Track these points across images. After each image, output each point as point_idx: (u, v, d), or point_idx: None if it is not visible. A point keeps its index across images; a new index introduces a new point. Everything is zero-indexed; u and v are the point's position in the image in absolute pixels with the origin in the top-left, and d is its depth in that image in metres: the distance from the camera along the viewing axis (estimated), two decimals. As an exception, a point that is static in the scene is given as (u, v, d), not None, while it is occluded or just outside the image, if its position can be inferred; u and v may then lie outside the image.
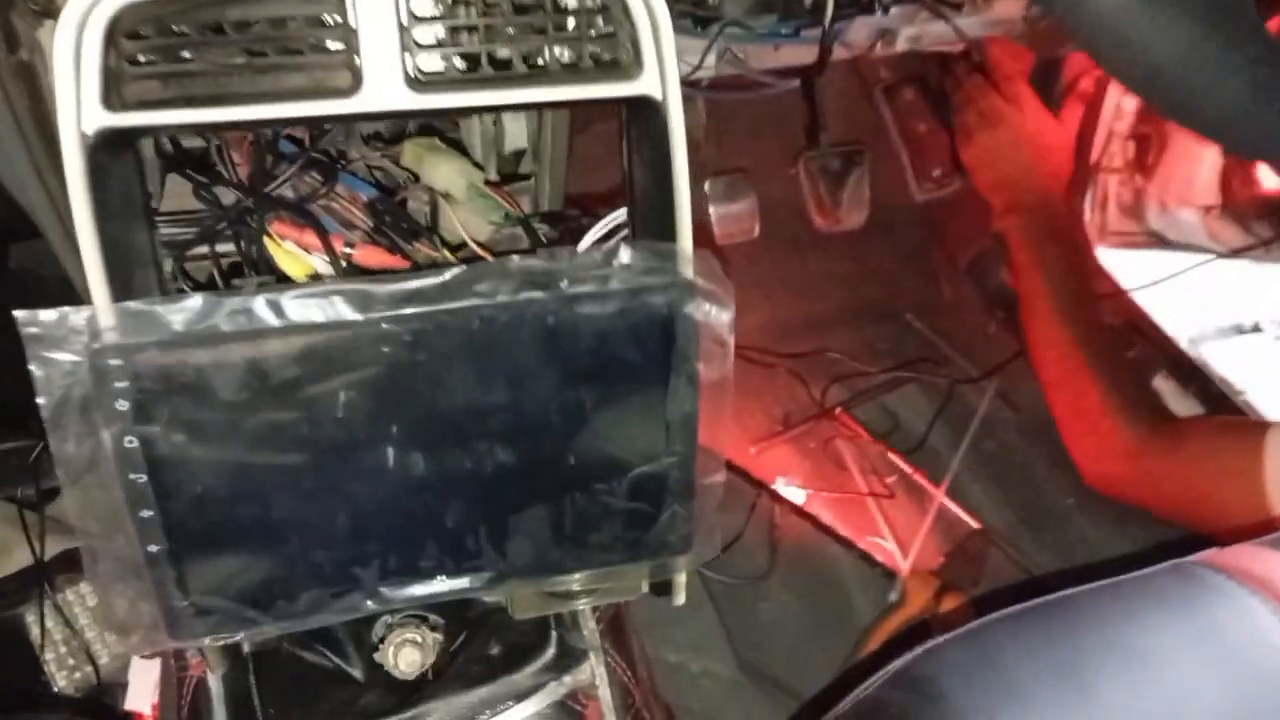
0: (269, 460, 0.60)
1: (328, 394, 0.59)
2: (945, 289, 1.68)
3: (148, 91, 0.55)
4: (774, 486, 1.34)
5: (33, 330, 0.54)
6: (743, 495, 1.28)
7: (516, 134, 0.80)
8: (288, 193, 0.76)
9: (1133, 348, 1.48)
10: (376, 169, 0.83)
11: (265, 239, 0.73)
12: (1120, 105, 1.57)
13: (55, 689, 1.05)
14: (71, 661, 1.06)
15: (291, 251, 0.74)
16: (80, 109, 0.54)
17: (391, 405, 0.60)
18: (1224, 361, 1.88)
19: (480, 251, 0.74)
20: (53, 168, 0.69)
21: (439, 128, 0.83)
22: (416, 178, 0.81)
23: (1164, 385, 1.43)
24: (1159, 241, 1.69)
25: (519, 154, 0.82)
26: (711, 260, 0.63)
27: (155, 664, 1.05)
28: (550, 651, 0.76)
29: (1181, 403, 1.41)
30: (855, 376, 1.51)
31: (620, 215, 0.70)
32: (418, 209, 0.79)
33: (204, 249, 0.74)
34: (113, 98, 0.54)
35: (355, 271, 0.74)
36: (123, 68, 0.54)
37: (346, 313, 0.57)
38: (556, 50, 0.58)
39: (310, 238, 0.73)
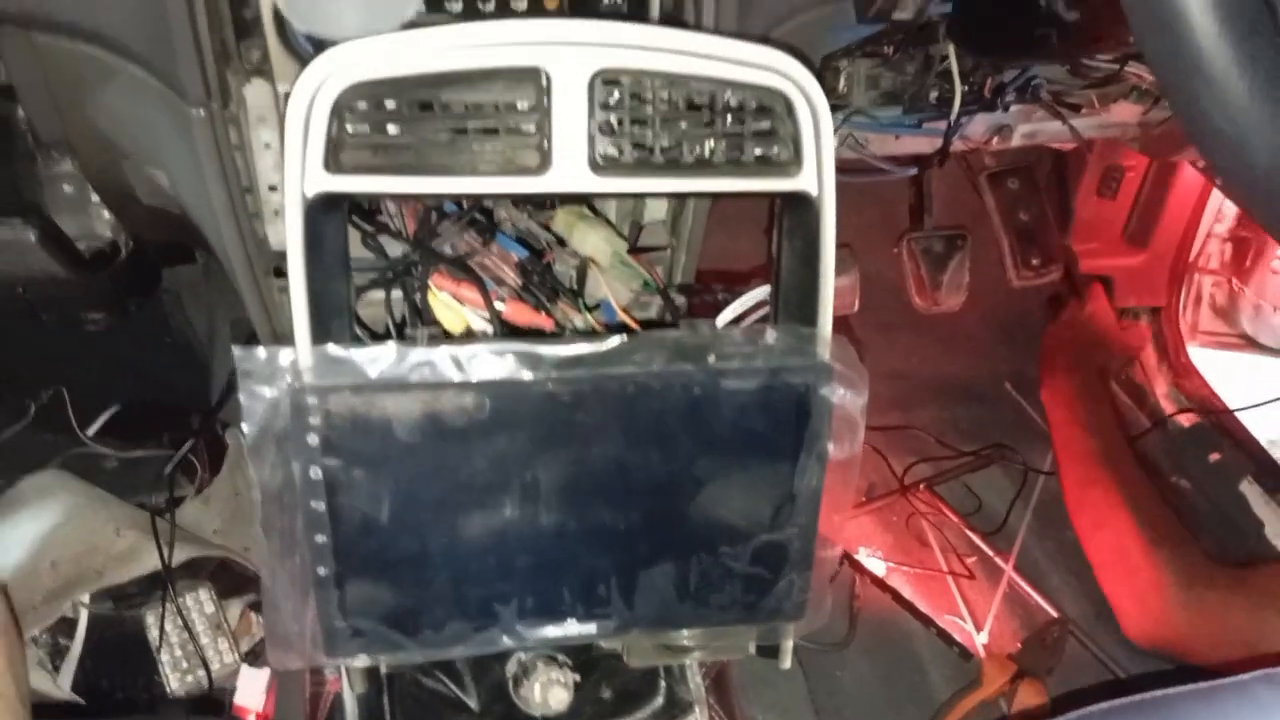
0: (433, 498, 0.65)
1: (492, 442, 0.64)
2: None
3: (362, 159, 0.61)
4: (856, 556, 1.37)
5: (246, 366, 0.60)
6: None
7: (655, 208, 0.86)
8: (447, 249, 0.82)
9: (1219, 451, 1.49)
10: (525, 230, 0.89)
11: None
12: (1221, 208, 1.60)
13: (168, 690, 1.11)
14: (185, 665, 1.12)
15: (448, 303, 0.80)
16: (305, 173, 0.60)
17: (546, 457, 0.66)
18: None
19: (624, 317, 0.79)
20: (244, 210, 0.75)
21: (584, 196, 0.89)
22: (562, 241, 0.86)
23: (1250, 490, 1.44)
24: (1250, 344, 1.70)
25: (654, 224, 0.87)
26: (848, 347, 0.67)
27: (265, 671, 1.11)
28: (659, 701, 0.80)
29: (1267, 509, 1.41)
30: (940, 457, 1.53)
31: (759, 294, 0.75)
32: (564, 271, 0.85)
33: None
34: (332, 164, 0.60)
35: (504, 326, 0.80)
36: (343, 137, 0.60)
37: (518, 371, 0.63)
38: (724, 145, 0.64)
39: (467, 291, 0.79)
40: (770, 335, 0.66)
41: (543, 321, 0.81)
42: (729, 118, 0.64)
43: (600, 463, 0.67)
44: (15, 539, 1.12)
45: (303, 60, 0.71)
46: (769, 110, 0.64)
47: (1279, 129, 0.41)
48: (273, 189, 0.77)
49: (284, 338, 0.83)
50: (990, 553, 1.42)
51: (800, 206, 0.66)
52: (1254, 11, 0.42)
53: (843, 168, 1.13)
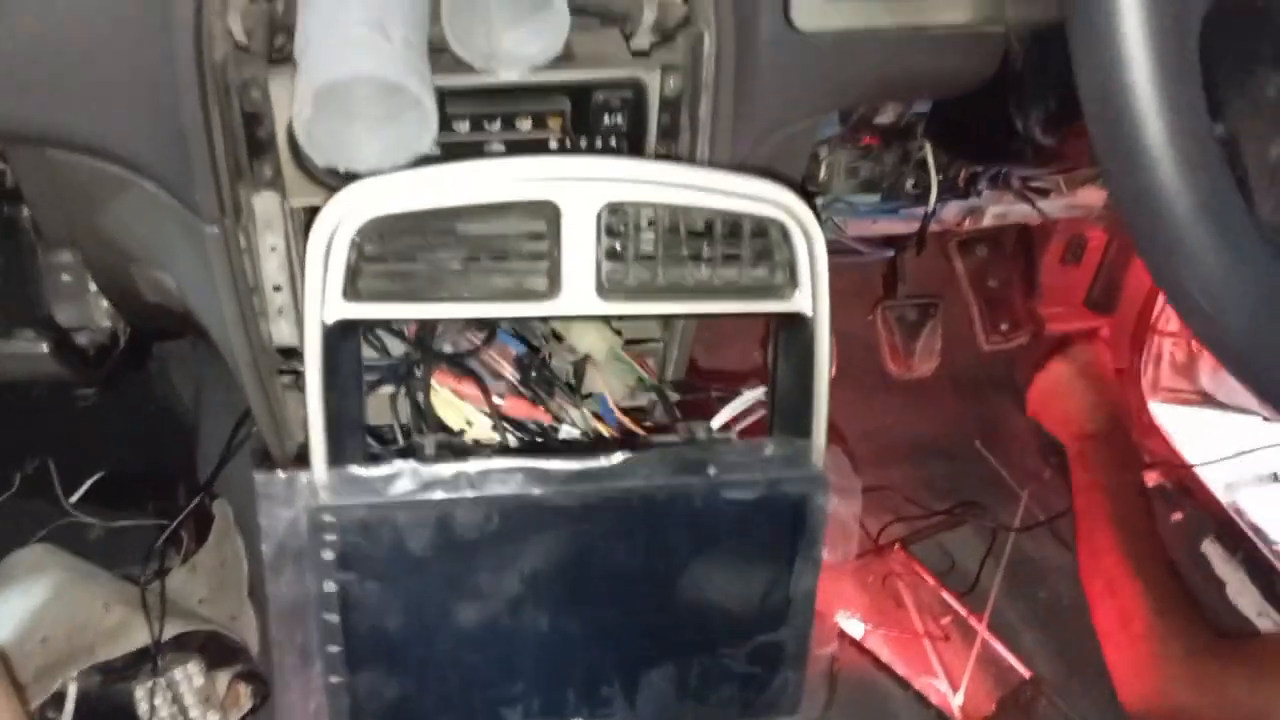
0: (442, 607, 0.67)
1: (500, 552, 0.67)
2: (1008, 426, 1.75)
3: (379, 287, 0.64)
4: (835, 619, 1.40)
5: (267, 490, 0.62)
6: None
7: (650, 306, 0.89)
8: (448, 346, 0.84)
9: (1181, 511, 1.54)
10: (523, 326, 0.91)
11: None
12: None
13: (158, 765, 1.11)
14: (175, 740, 1.13)
15: (449, 400, 0.82)
16: (324, 302, 0.62)
17: (552, 566, 0.68)
18: (1258, 509, 1.94)
19: (621, 417, 0.82)
20: (252, 314, 0.78)
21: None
22: (559, 337, 0.89)
23: (1211, 550, 1.49)
24: (1209, 400, 1.76)
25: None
26: (842, 457, 0.71)
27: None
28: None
29: (1225, 569, 1.46)
30: (913, 516, 1.57)
31: (752, 397, 0.78)
32: (561, 366, 0.88)
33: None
34: (350, 293, 0.63)
35: (502, 420, 0.82)
36: (361, 267, 0.63)
37: (527, 488, 0.65)
38: (723, 270, 0.67)
39: (467, 387, 0.81)
40: (769, 447, 0.69)
41: (541, 415, 0.84)
42: (728, 244, 0.67)
43: (604, 569, 0.69)
44: (5, 615, 1.13)
45: (314, 177, 0.74)
46: (766, 236, 0.67)
47: (1253, 308, 0.45)
48: (277, 289, 0.79)
49: (287, 433, 0.86)
50: (964, 613, 1.45)
51: (796, 325, 0.69)
52: (1228, 194, 0.46)
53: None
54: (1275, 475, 2.14)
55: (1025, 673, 1.37)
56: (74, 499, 1.32)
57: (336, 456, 0.65)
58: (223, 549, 1.28)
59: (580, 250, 0.65)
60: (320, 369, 0.63)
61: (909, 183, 1.08)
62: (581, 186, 0.64)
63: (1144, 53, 0.45)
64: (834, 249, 1.20)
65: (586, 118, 0.74)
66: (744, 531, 0.70)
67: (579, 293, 0.65)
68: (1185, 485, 1.57)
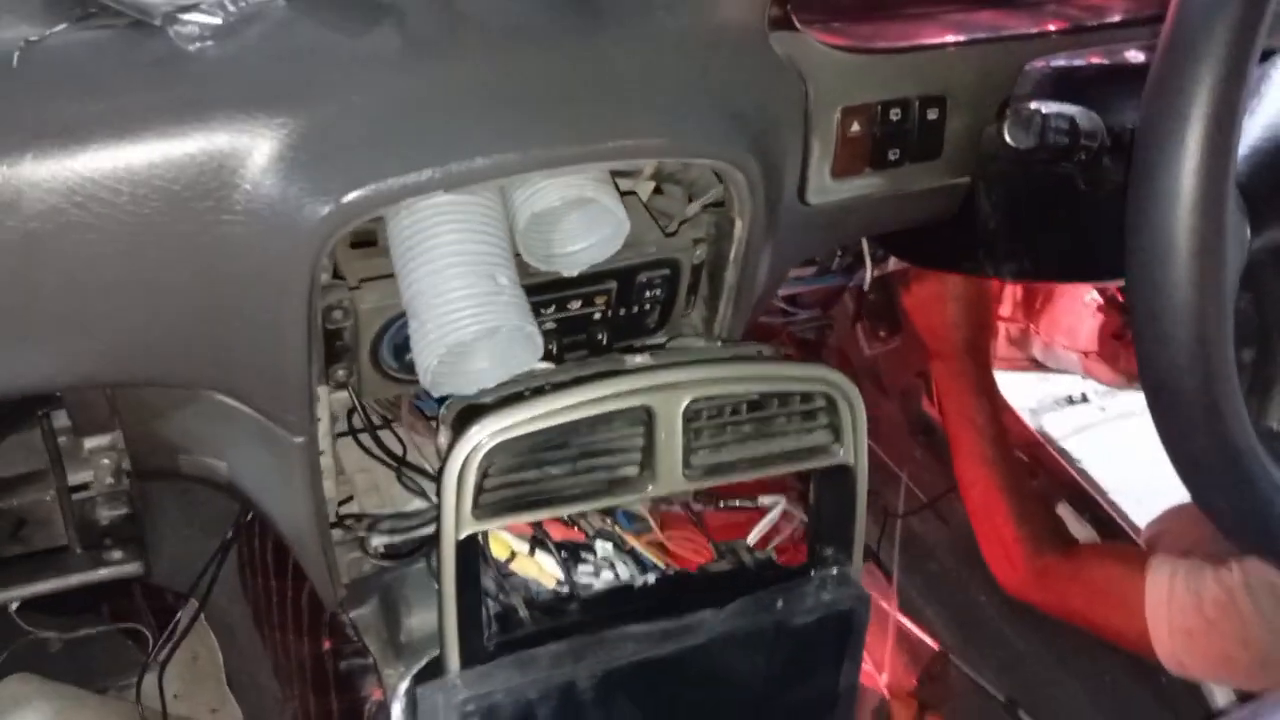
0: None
1: (608, 712, 0.76)
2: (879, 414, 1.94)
3: (500, 501, 0.70)
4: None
5: (427, 700, 0.69)
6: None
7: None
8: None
9: (1037, 477, 1.78)
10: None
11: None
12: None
13: None
14: None
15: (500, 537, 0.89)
16: (459, 522, 0.69)
17: (646, 710, 0.79)
18: (1060, 431, 2.25)
19: (659, 534, 0.90)
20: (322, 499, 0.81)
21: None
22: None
23: (1064, 511, 1.73)
24: (1039, 367, 2.01)
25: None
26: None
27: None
28: None
29: (1078, 528, 1.71)
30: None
31: (777, 511, 0.89)
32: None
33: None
34: (478, 511, 0.69)
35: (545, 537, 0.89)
36: (485, 485, 0.69)
37: (630, 655, 0.75)
38: (785, 438, 0.77)
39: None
40: (823, 575, 0.81)
41: (574, 535, 0.92)
42: (789, 419, 0.77)
43: (687, 703, 0.80)
44: (-3, 760, 1.11)
45: (389, 376, 0.78)
46: (817, 409, 0.78)
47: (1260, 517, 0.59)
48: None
49: (338, 581, 0.90)
50: (875, 596, 1.64)
51: (839, 473, 0.80)
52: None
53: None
54: (1070, 398, 2.48)
55: (933, 645, 1.57)
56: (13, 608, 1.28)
57: (468, 656, 0.72)
58: (193, 645, 1.29)
59: (670, 442, 0.73)
60: (454, 580, 0.70)
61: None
62: (671, 392, 0.72)
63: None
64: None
65: (629, 294, 0.82)
66: (803, 647, 0.82)
67: (668, 477, 0.74)
68: (1037, 456, 1.80)
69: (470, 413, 0.75)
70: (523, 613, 0.79)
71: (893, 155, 0.84)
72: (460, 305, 0.65)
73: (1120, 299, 1.74)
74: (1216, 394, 0.61)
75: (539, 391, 0.71)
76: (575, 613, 0.81)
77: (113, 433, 0.84)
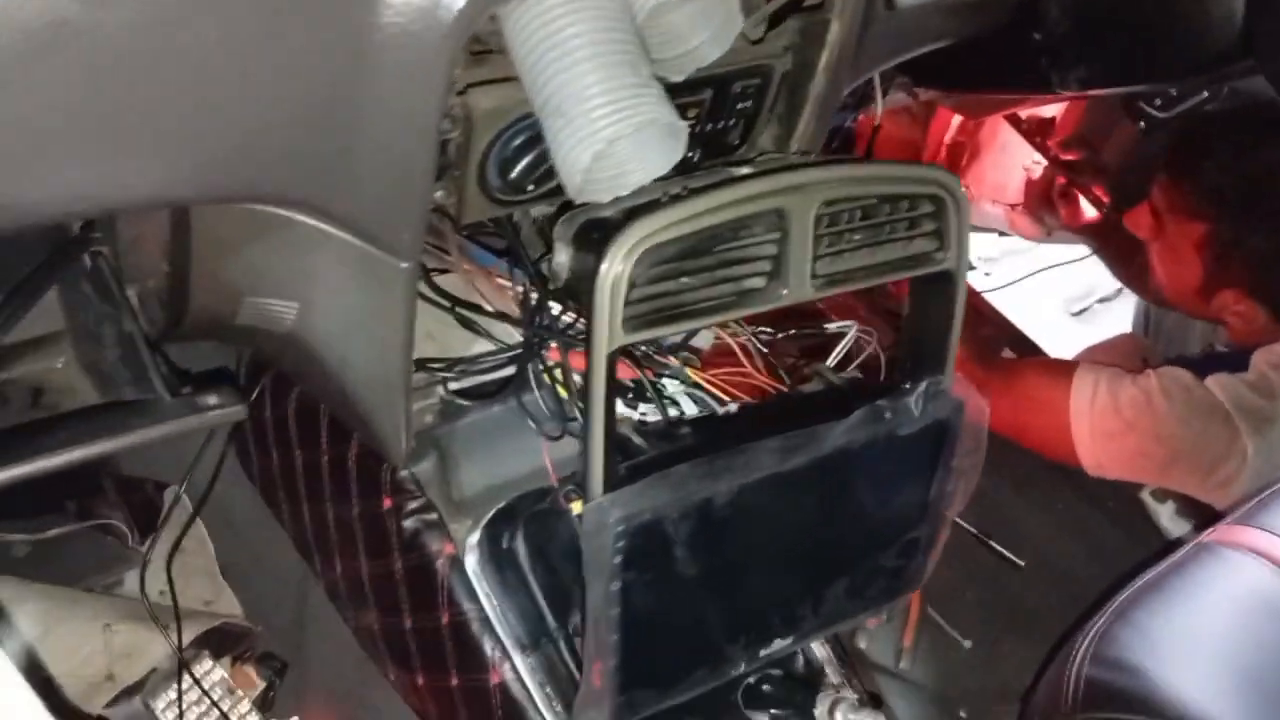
0: (690, 579, 0.75)
1: (738, 526, 0.75)
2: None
3: (645, 314, 0.67)
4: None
5: (588, 519, 0.67)
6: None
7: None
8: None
9: (984, 328, 1.85)
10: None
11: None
12: (951, 121, 1.91)
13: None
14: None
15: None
16: (611, 335, 0.66)
17: (769, 520, 0.78)
18: None
19: (751, 371, 0.89)
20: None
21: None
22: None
23: (1008, 355, 1.81)
24: (967, 224, 2.07)
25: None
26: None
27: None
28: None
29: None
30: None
31: (852, 336, 0.89)
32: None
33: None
34: (628, 325, 0.66)
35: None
36: (633, 297, 0.66)
37: (760, 470, 0.74)
38: (897, 245, 0.77)
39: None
40: (922, 386, 0.81)
41: (642, 374, 0.90)
42: (898, 224, 0.76)
43: (804, 515, 0.80)
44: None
45: (492, 197, 0.73)
46: (922, 216, 0.77)
47: None
48: None
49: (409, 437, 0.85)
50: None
51: (941, 280, 0.80)
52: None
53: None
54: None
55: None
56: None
57: (610, 477, 0.69)
58: (176, 536, 1.20)
59: (801, 247, 0.71)
60: (603, 398, 0.67)
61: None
62: (804, 193, 0.70)
63: None
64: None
65: (722, 105, 0.79)
66: (905, 457, 0.83)
67: (797, 285, 0.72)
68: (979, 310, 1.87)
69: (591, 227, 0.71)
70: (637, 440, 0.77)
71: (972, -43, 0.83)
72: (616, 97, 0.61)
73: (1062, 159, 1.81)
74: None
75: (677, 198, 0.68)
76: (687, 437, 0.79)
77: (157, 278, 0.76)
